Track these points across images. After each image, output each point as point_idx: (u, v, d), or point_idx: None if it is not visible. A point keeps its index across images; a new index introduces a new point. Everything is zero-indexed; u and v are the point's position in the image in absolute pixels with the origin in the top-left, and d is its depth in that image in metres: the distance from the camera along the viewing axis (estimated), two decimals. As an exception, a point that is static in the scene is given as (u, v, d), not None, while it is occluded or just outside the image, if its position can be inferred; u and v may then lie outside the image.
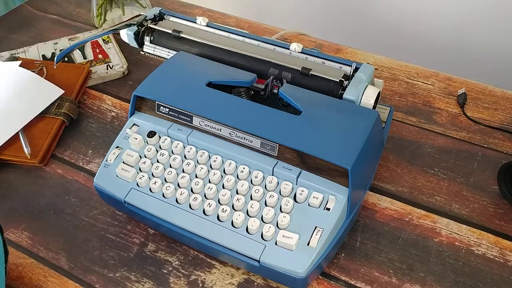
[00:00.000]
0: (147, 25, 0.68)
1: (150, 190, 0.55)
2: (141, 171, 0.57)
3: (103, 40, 0.84)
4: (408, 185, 0.62)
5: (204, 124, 0.56)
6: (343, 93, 0.57)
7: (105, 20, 0.88)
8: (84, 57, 0.81)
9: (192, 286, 0.54)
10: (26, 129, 0.68)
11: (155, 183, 0.55)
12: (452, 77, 0.77)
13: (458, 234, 0.57)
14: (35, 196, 0.63)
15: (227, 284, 0.54)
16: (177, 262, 0.56)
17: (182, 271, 0.55)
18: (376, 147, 0.59)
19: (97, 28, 0.89)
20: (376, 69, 0.79)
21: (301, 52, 0.62)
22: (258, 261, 0.49)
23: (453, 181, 0.63)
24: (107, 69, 0.79)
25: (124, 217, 0.60)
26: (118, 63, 0.80)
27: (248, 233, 0.51)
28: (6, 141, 0.66)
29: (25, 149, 0.66)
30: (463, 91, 0.73)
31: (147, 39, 0.68)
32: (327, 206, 0.51)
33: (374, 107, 0.57)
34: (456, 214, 0.59)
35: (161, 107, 0.59)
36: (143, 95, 0.59)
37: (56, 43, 0.84)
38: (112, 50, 0.82)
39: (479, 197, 0.61)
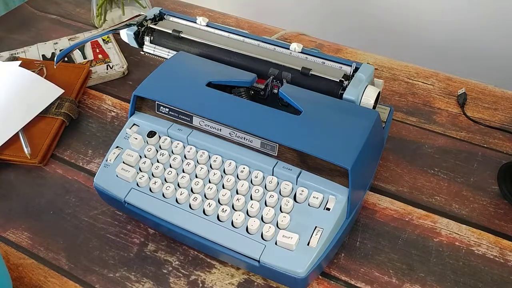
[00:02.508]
0: (147, 25, 0.68)
1: (150, 190, 0.55)
2: (141, 171, 0.57)
3: (103, 40, 0.84)
4: (408, 185, 0.62)
5: (204, 124, 0.56)
6: (343, 93, 0.57)
7: (105, 20, 0.88)
8: (84, 57, 0.81)
9: (192, 286, 0.54)
10: (26, 129, 0.68)
11: (155, 183, 0.55)
12: (452, 77, 0.77)
13: (458, 234, 0.57)
14: (35, 196, 0.63)
15: (227, 284, 0.54)
16: (177, 262, 0.56)
17: (182, 271, 0.55)
18: (376, 147, 0.59)
19: (97, 28, 0.89)
20: (376, 69, 0.79)
21: (301, 52, 0.62)
22: (258, 261, 0.49)
23: (453, 181, 0.63)
24: (107, 69, 0.79)
25: (124, 217, 0.60)
26: (118, 63, 0.80)
27: (248, 233, 0.51)
28: (6, 141, 0.66)
29: (25, 149, 0.66)
30: (463, 91, 0.73)
31: (147, 39, 0.68)
32: (327, 206, 0.51)
33: (374, 107, 0.57)
34: (456, 214, 0.59)
35: (161, 107, 0.59)
36: (143, 95, 0.59)
37: (56, 43, 0.84)
38: (112, 50, 0.82)
39: (479, 197, 0.61)
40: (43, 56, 0.82)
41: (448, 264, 0.55)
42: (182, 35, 0.66)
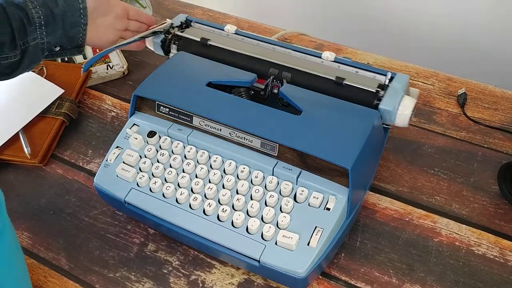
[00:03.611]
0: (174, 33, 0.67)
1: (150, 190, 0.55)
2: (141, 171, 0.57)
3: (103, 40, 0.84)
4: (408, 185, 0.62)
5: (204, 124, 0.56)
6: (378, 103, 0.56)
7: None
8: (84, 57, 0.81)
9: (192, 286, 0.54)
10: (26, 129, 0.68)
11: (155, 183, 0.55)
12: (452, 77, 0.77)
13: (458, 234, 0.57)
14: (35, 196, 0.63)
15: (227, 284, 0.54)
16: (177, 262, 0.56)
17: (182, 271, 0.55)
18: (376, 147, 0.59)
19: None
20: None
21: (334, 61, 0.60)
22: (258, 261, 0.49)
23: (453, 181, 0.63)
24: (107, 69, 0.79)
25: (124, 217, 0.60)
26: (118, 63, 0.80)
27: (248, 233, 0.51)
28: (6, 141, 0.66)
29: (25, 149, 0.65)
30: (463, 91, 0.73)
31: (173, 47, 0.67)
32: (327, 206, 0.51)
33: (410, 119, 0.56)
34: (456, 214, 0.59)
35: (161, 107, 0.59)
36: (143, 95, 0.59)
37: (56, 43, 0.84)
38: (112, 50, 0.82)
39: (479, 197, 0.61)
40: (43, 56, 0.82)
41: (448, 264, 0.55)
42: (210, 42, 0.64)
